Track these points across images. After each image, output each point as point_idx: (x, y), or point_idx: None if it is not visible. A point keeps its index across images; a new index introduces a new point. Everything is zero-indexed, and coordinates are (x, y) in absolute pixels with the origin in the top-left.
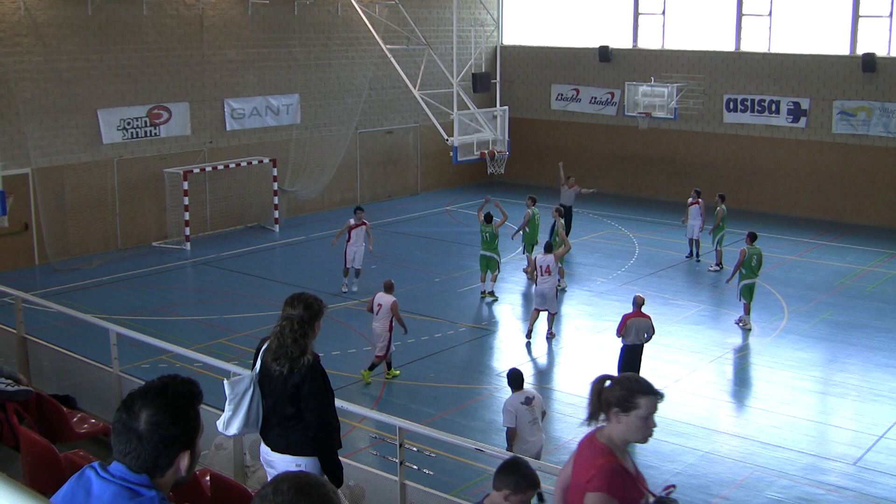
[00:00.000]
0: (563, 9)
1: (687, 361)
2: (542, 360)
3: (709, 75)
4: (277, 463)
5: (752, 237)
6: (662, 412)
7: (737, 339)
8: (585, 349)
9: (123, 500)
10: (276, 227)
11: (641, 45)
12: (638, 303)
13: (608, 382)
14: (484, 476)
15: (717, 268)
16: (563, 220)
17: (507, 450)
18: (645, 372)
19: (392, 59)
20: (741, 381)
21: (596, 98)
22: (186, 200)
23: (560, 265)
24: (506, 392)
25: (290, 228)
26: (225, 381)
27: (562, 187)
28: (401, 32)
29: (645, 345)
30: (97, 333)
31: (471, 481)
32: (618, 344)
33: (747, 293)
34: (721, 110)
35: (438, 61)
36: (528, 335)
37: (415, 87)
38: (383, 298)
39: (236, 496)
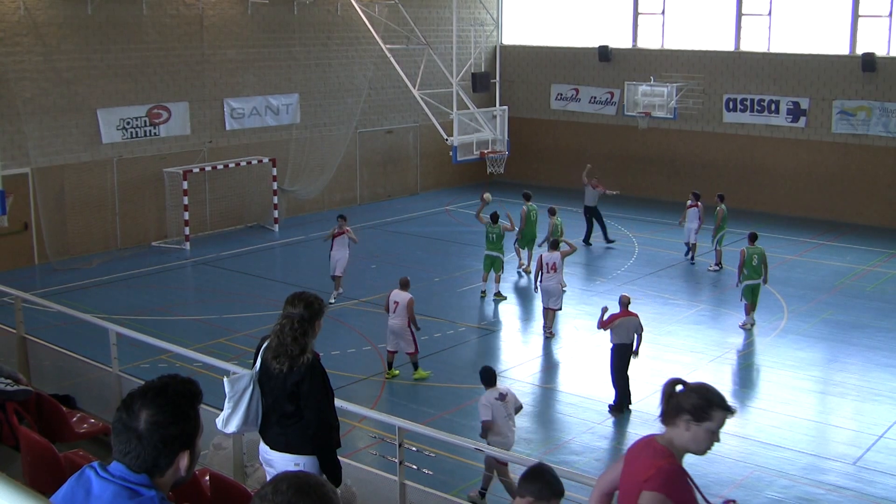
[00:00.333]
0: (563, 8)
1: (687, 361)
2: (542, 359)
3: (708, 75)
4: (276, 461)
5: (753, 237)
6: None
7: (737, 339)
8: (585, 349)
9: (123, 499)
10: (276, 227)
11: (641, 44)
12: (624, 302)
13: (680, 387)
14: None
15: (717, 268)
16: (559, 220)
17: (486, 442)
18: (644, 372)
19: (392, 59)
20: (741, 381)
21: (595, 98)
22: (186, 200)
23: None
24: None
25: (290, 228)
26: (225, 379)
27: (585, 187)
28: (400, 32)
29: (641, 344)
30: (97, 333)
31: (470, 481)
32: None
33: (748, 294)
34: (721, 110)
35: (438, 61)
36: (550, 333)
37: (414, 87)
38: (399, 296)
39: (236, 496)
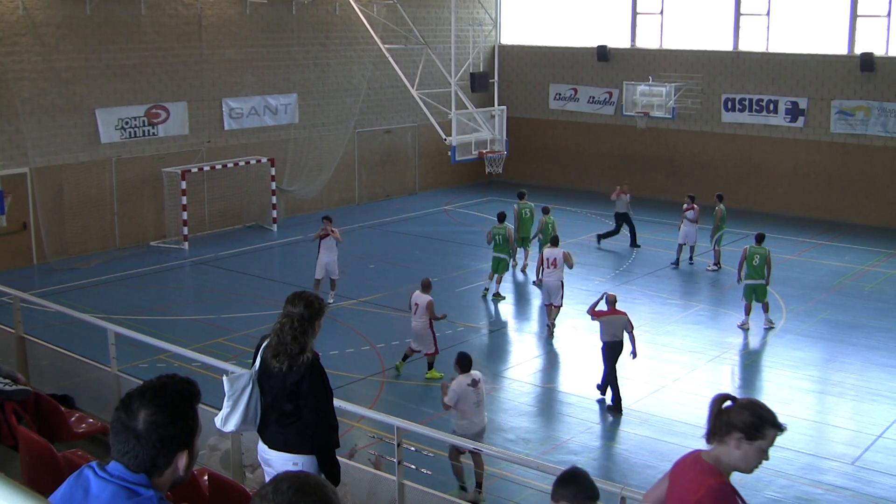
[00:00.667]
0: (562, 8)
1: (685, 361)
2: (540, 359)
3: (707, 75)
4: (275, 461)
5: (759, 238)
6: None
7: (735, 339)
8: (583, 349)
9: (122, 499)
10: (274, 227)
11: (640, 44)
12: (611, 301)
13: (728, 403)
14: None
15: (716, 268)
16: (552, 219)
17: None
18: (642, 372)
19: (390, 59)
20: (739, 381)
21: (594, 97)
22: (184, 200)
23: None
24: (504, 391)
25: (288, 228)
26: (224, 377)
27: (616, 200)
28: (399, 32)
29: (636, 343)
30: (95, 333)
31: (469, 481)
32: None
33: (749, 294)
34: (719, 110)
35: (437, 61)
36: (551, 324)
37: (413, 87)
38: (420, 298)
39: (234, 496)
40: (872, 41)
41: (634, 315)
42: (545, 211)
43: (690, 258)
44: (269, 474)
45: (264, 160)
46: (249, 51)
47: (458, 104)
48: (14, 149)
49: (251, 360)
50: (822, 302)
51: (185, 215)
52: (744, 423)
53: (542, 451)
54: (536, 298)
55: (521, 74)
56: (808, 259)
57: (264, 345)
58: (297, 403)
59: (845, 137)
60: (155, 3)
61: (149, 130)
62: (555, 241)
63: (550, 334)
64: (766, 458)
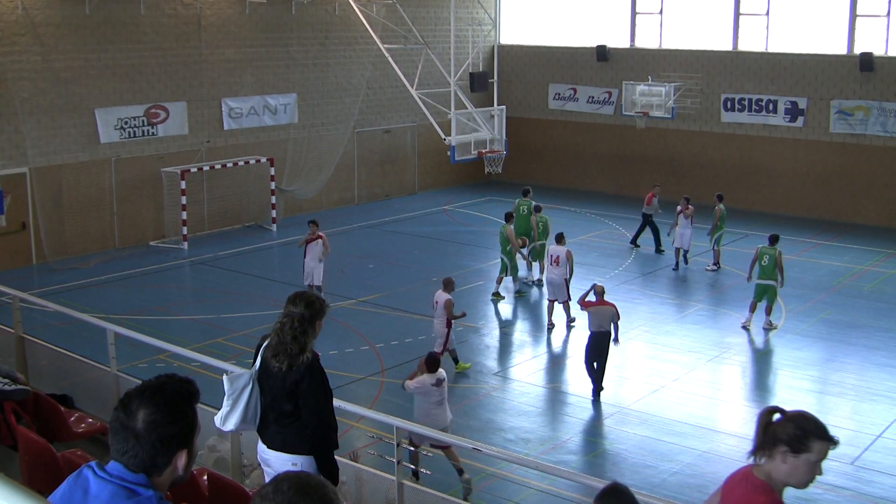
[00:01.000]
0: (561, 8)
1: (685, 361)
2: (539, 359)
3: (706, 74)
4: (274, 461)
5: (772, 239)
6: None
7: (734, 339)
8: (582, 348)
9: (121, 499)
10: (274, 227)
11: (639, 44)
12: (599, 292)
13: (777, 416)
14: (481, 475)
15: (715, 268)
16: (544, 218)
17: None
18: (642, 372)
19: (390, 59)
20: (739, 381)
21: (593, 97)
22: (184, 200)
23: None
24: (503, 391)
25: (288, 228)
26: (224, 376)
27: (647, 206)
28: (398, 32)
29: (618, 331)
30: (95, 333)
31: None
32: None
33: (758, 294)
34: (718, 110)
35: (436, 61)
36: (550, 325)
37: (412, 87)
38: (440, 296)
39: (234, 496)
40: (872, 41)
41: (634, 315)
42: (537, 209)
43: (685, 261)
44: (268, 474)
45: (264, 160)
46: (249, 51)
47: (457, 104)
48: (13, 149)
49: (252, 360)
50: (822, 302)
51: (184, 215)
52: (788, 435)
53: (542, 451)
54: (536, 298)
55: (520, 74)
56: (807, 259)
57: (265, 344)
58: (296, 403)
59: (844, 137)
60: (154, 3)
61: (148, 130)
62: (559, 239)
63: (569, 325)
64: (819, 473)
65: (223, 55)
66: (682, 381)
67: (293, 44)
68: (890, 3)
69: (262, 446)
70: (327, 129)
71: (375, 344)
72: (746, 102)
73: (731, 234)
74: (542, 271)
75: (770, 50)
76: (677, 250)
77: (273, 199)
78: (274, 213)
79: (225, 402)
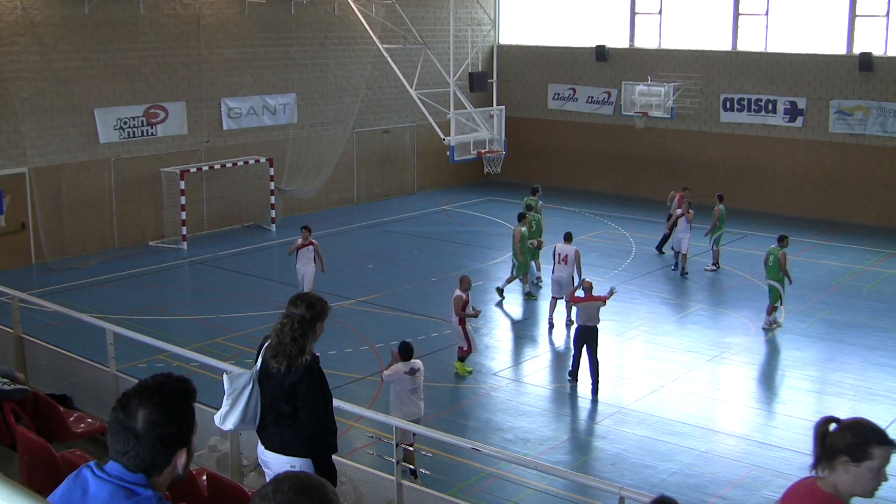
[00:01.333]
0: (560, 8)
1: (684, 361)
2: (540, 359)
3: (705, 74)
4: (272, 462)
5: (778, 239)
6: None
7: (734, 339)
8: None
9: (120, 499)
10: (273, 227)
11: (638, 44)
12: (587, 287)
13: (833, 426)
14: (480, 475)
15: (714, 268)
16: (537, 216)
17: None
18: (641, 372)
19: (389, 59)
20: (738, 381)
21: (592, 97)
22: (183, 200)
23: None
24: (502, 392)
25: (287, 228)
26: (224, 375)
27: (669, 204)
28: (398, 32)
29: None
30: (94, 333)
31: (467, 480)
32: (617, 340)
33: (770, 294)
34: (718, 110)
35: (435, 61)
36: (550, 324)
37: (412, 87)
38: (455, 294)
39: (233, 496)
40: (871, 41)
41: (633, 315)
42: (528, 208)
43: (683, 272)
44: (268, 476)
45: (263, 160)
46: (248, 51)
47: (456, 104)
48: (13, 149)
49: (253, 360)
50: (821, 302)
51: (183, 215)
52: (847, 445)
53: (541, 451)
54: (536, 298)
55: (519, 74)
56: (806, 259)
57: (266, 345)
58: (294, 405)
59: (844, 137)
60: (153, 3)
61: (147, 130)
62: (568, 238)
63: (568, 324)
64: (885, 479)
65: (222, 55)
66: (682, 381)
67: (292, 44)
68: (889, 3)
69: (261, 447)
70: (326, 129)
71: (375, 344)
72: (746, 102)
73: (730, 235)
74: (538, 269)
75: (769, 50)
76: (676, 253)
77: (272, 199)
78: (273, 213)
79: (224, 402)
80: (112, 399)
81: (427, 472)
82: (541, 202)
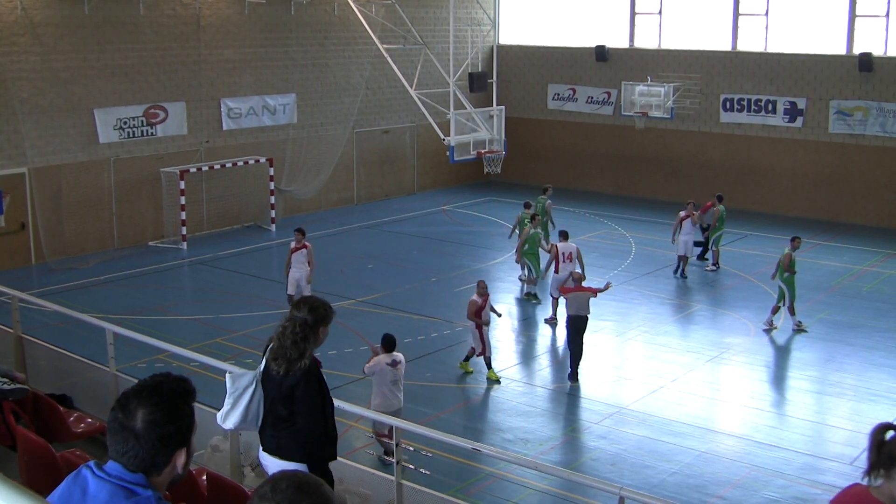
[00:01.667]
0: (560, 8)
1: (684, 361)
2: (540, 359)
3: (705, 75)
4: (270, 465)
5: (791, 240)
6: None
7: (734, 339)
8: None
9: (119, 499)
10: (273, 227)
11: (638, 44)
12: (577, 279)
13: (890, 434)
14: (480, 475)
15: (714, 268)
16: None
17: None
18: (640, 372)
19: (389, 59)
20: (738, 381)
21: (592, 98)
22: (183, 200)
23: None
24: (502, 391)
25: (287, 228)
26: (227, 374)
27: (703, 214)
28: (397, 32)
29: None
30: (94, 333)
31: (467, 481)
32: (617, 341)
33: (778, 294)
34: (718, 110)
35: (435, 61)
36: (553, 323)
37: (411, 87)
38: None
39: (233, 496)
40: (871, 41)
41: (633, 315)
42: (526, 206)
43: (684, 275)
44: None
45: (263, 160)
46: (248, 51)
47: (456, 104)
48: (12, 149)
49: (259, 361)
50: (821, 302)
51: (183, 215)
52: None
53: (541, 451)
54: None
55: (519, 74)
56: (806, 259)
57: (270, 346)
58: (291, 409)
59: (844, 137)
60: (153, 3)
61: (147, 130)
62: (566, 236)
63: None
64: None
65: (222, 55)
66: (682, 381)
67: (292, 44)
68: (889, 3)
69: (260, 449)
70: (326, 129)
71: (374, 344)
72: (745, 103)
73: (730, 235)
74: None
75: (769, 50)
76: (679, 258)
77: (272, 200)
78: (273, 214)
79: (226, 401)
80: (112, 399)
81: (427, 472)
82: (549, 201)
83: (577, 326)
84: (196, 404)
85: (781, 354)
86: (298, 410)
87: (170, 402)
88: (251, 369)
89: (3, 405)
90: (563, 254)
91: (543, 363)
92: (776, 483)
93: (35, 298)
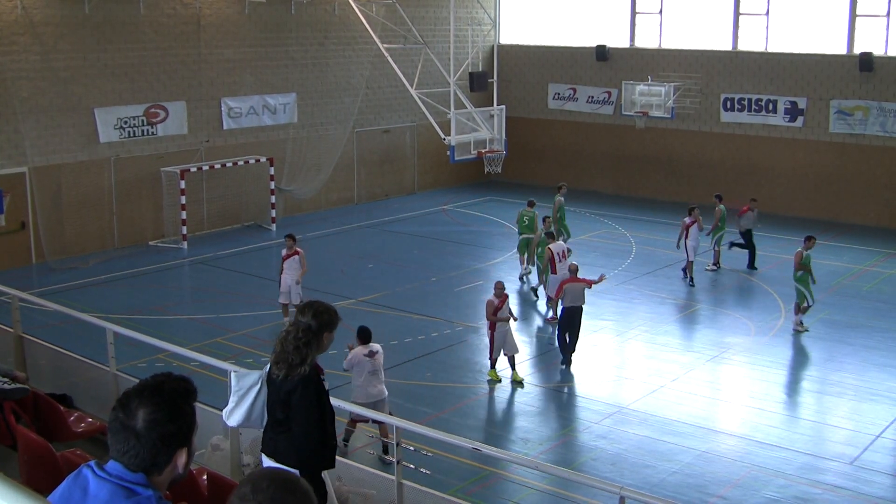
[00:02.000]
0: (560, 8)
1: (684, 361)
2: (540, 358)
3: (706, 74)
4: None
5: (805, 239)
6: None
7: (734, 339)
8: (580, 347)
9: (120, 499)
10: (273, 227)
11: (638, 44)
12: (573, 270)
13: None
14: (481, 475)
15: (715, 268)
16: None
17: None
18: (641, 371)
19: (389, 59)
20: (738, 381)
21: (593, 97)
22: (183, 199)
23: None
24: (502, 392)
25: (287, 227)
26: (232, 373)
27: (740, 218)
28: (398, 31)
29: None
30: (94, 332)
31: (467, 480)
32: (617, 340)
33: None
34: (718, 109)
35: (435, 60)
36: (554, 321)
37: (412, 87)
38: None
39: None
40: (871, 41)
41: (633, 315)
42: (530, 205)
43: (692, 281)
44: None
45: (263, 160)
46: (248, 50)
47: (456, 104)
48: (13, 148)
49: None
50: (821, 302)
51: (183, 215)
52: None
53: (542, 450)
54: (535, 298)
55: (519, 74)
56: None
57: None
58: (287, 414)
59: (844, 137)
60: (153, 3)
61: (147, 130)
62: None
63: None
64: None
65: (222, 55)
66: (682, 380)
67: (292, 43)
68: (890, 3)
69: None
70: (326, 128)
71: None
72: (746, 102)
73: (731, 235)
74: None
75: (770, 50)
76: (688, 263)
77: (272, 199)
78: (273, 213)
79: (231, 398)
80: (112, 398)
81: (427, 471)
82: (561, 199)
83: (571, 316)
84: (197, 404)
85: (782, 354)
86: (293, 416)
87: (171, 402)
88: (251, 369)
89: (4, 405)
90: (557, 254)
91: (544, 363)
92: (776, 483)
93: (35, 298)
